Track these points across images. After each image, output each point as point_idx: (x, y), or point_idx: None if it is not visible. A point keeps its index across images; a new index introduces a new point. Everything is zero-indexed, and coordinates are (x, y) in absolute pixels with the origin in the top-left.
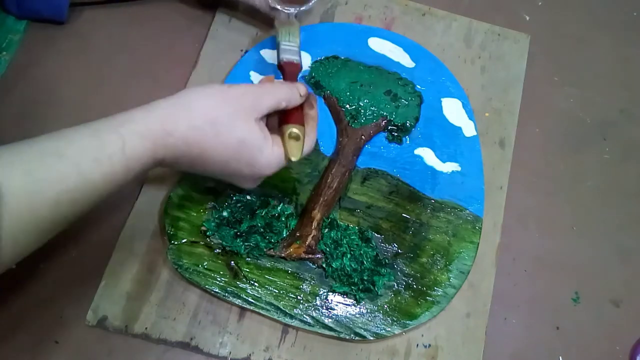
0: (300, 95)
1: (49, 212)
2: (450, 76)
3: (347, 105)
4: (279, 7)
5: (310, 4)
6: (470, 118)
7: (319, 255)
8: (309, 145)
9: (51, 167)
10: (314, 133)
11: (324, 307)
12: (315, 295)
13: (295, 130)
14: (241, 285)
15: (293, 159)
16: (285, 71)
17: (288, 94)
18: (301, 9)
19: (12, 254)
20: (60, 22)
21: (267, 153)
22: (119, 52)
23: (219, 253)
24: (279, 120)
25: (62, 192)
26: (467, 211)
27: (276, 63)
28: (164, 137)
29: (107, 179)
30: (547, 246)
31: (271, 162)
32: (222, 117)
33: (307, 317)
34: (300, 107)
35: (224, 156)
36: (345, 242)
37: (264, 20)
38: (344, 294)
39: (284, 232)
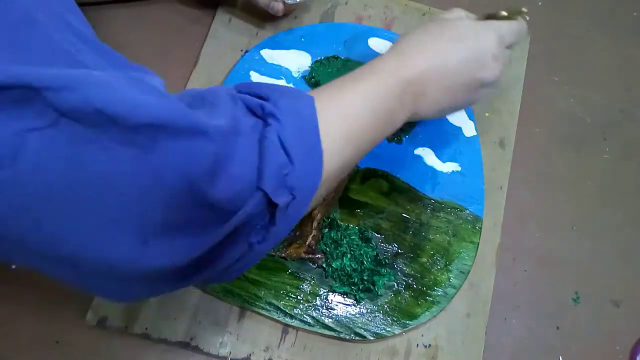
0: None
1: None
2: None
3: None
4: None
5: None
6: (470, 118)
7: (319, 255)
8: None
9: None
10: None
11: (324, 307)
12: (315, 295)
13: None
14: (241, 285)
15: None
16: None
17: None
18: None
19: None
20: None
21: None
22: (119, 52)
23: None
24: None
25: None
26: (467, 211)
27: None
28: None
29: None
30: (547, 246)
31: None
32: None
33: (307, 317)
34: None
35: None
36: (345, 242)
37: (263, 17)
38: (344, 294)
39: None
